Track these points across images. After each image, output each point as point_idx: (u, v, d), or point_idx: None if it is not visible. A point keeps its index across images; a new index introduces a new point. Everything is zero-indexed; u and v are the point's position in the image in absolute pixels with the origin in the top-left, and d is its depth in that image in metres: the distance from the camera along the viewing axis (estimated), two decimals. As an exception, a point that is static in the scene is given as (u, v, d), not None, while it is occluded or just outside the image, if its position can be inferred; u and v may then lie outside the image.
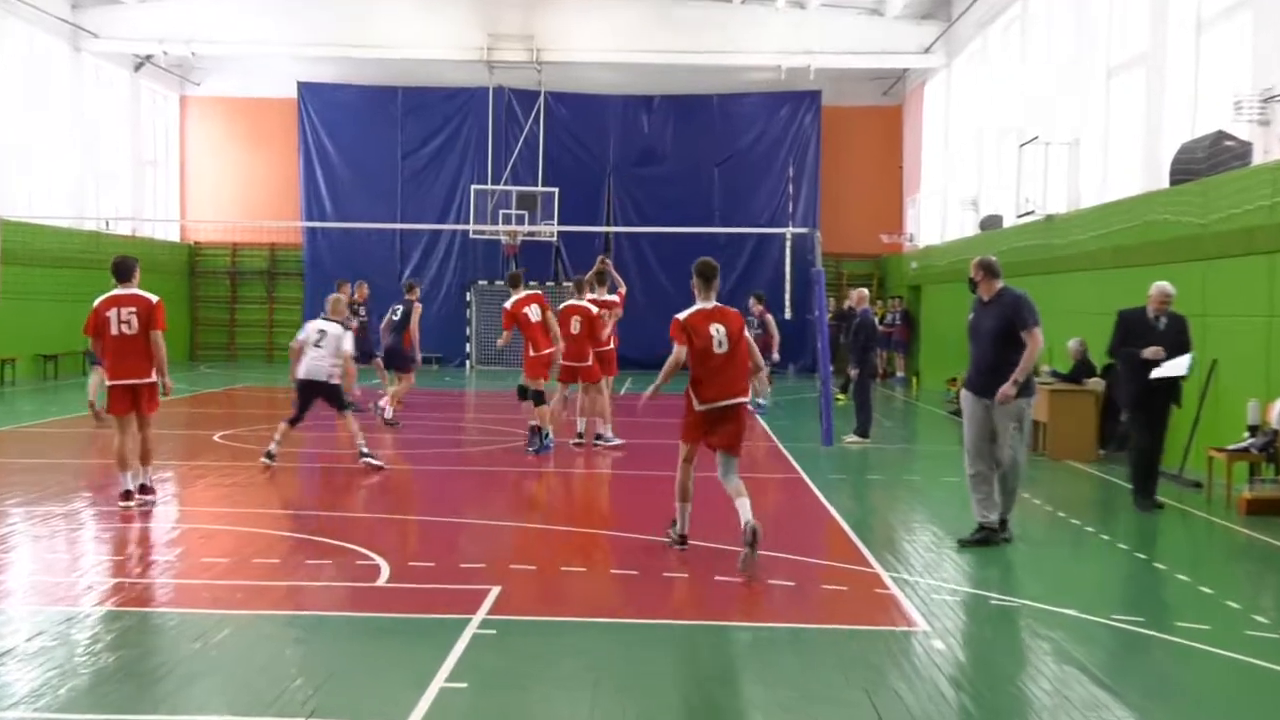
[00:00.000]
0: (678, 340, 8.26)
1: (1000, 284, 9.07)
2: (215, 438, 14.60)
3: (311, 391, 12.12)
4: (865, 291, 16.50)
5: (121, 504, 9.74)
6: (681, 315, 8.39)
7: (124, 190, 28.80)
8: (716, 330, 8.32)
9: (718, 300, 8.53)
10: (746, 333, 8.46)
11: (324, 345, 12.05)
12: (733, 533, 9.32)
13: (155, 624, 6.54)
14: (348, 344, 12.13)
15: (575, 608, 7.05)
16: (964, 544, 8.79)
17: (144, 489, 10.03)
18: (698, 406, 8.36)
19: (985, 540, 8.84)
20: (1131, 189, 15.89)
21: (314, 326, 12.25)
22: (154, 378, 9.82)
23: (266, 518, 9.88)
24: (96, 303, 9.83)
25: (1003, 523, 9.08)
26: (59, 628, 6.35)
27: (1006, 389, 8.71)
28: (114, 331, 9.71)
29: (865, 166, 31.28)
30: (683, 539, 8.65)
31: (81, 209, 26.43)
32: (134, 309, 9.69)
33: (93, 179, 27.37)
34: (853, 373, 15.90)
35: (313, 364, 12.06)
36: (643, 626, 6.73)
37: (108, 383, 9.84)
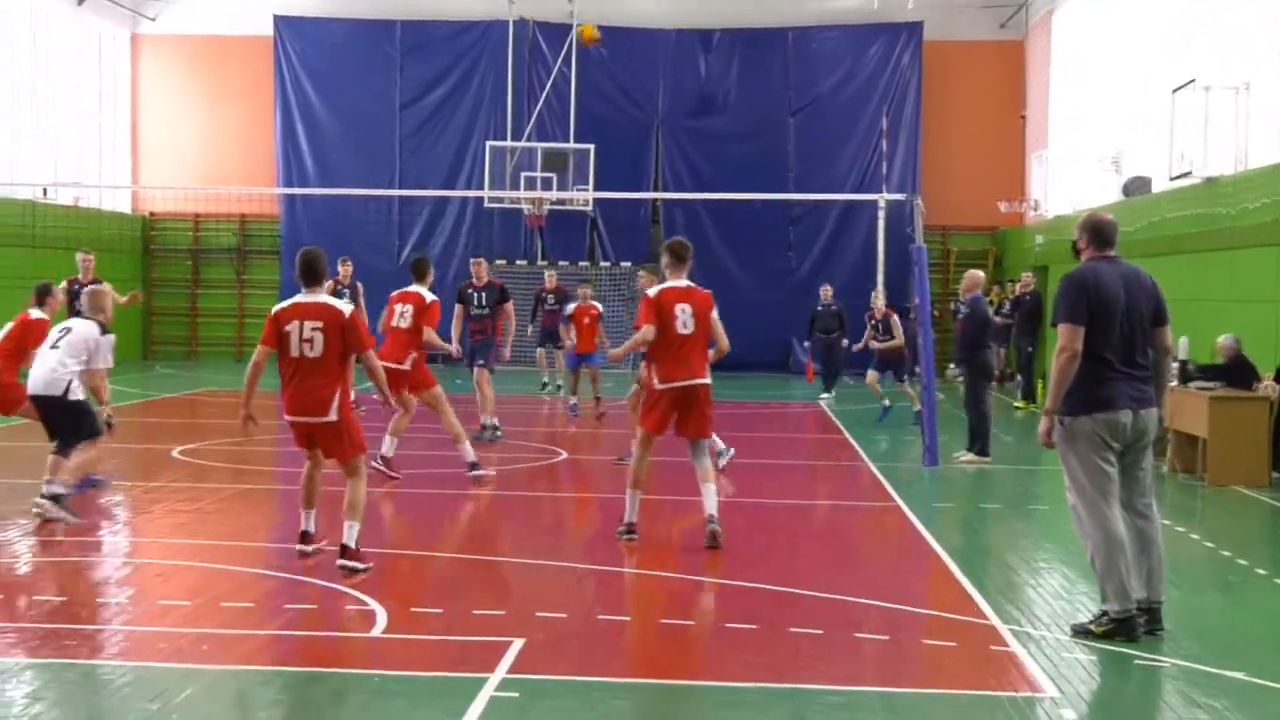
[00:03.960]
0: (647, 319, 10.16)
1: (1108, 256, 8.02)
2: (174, 453, 14.81)
3: (43, 410, 11.07)
4: (979, 274, 16.40)
5: (298, 547, 9.52)
6: (652, 292, 10.34)
7: (63, 151, 29.22)
8: (682, 310, 10.20)
9: (691, 280, 10.43)
10: (714, 315, 10.30)
11: (62, 345, 11.00)
12: (804, 576, 9.32)
13: (103, 680, 6.66)
14: (104, 355, 11.26)
15: (616, 665, 7.09)
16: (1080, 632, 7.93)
17: (346, 551, 9.16)
18: (658, 386, 10.26)
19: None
20: (1316, 144, 15.70)
21: (64, 324, 11.34)
22: (335, 416, 9.16)
23: (237, 552, 10.00)
24: (275, 310, 9.37)
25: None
26: (-12, 684, 6.49)
27: (1041, 426, 7.94)
28: (294, 352, 9.18)
29: (978, 117, 31.08)
30: (630, 529, 10.35)
31: (12, 174, 26.85)
32: (320, 323, 9.15)
33: (25, 137, 27.79)
34: (950, 373, 16.42)
35: (37, 372, 11.02)
36: (699, 690, 6.75)
37: (286, 416, 9.35)
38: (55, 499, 10.61)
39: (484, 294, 17.09)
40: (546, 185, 29.01)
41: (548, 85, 30.78)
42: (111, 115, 31.66)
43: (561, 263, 30.35)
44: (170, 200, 31.87)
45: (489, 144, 30.00)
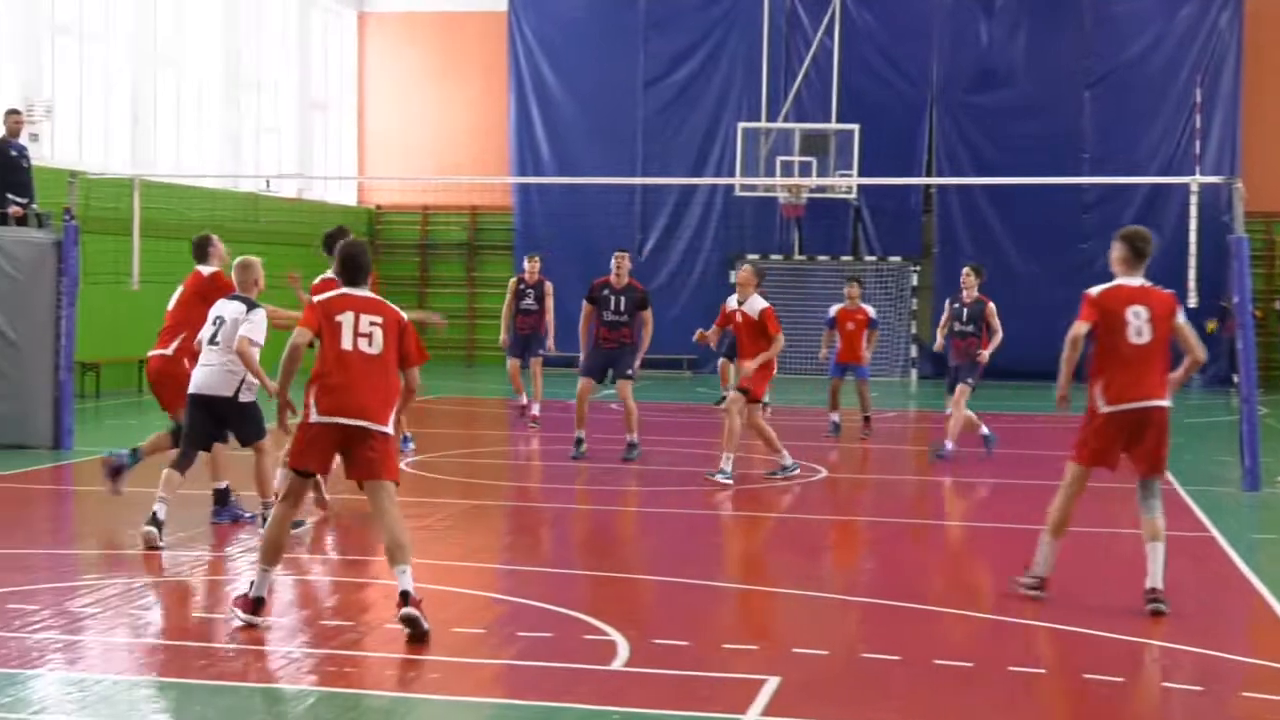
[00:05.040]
0: (1087, 317, 9.15)
1: None
2: (401, 465, 15.30)
3: (205, 412, 10.93)
4: None
5: (245, 618, 8.26)
6: (1094, 290, 9.30)
7: (288, 140, 30.54)
8: (1136, 314, 9.15)
9: (1146, 279, 9.35)
10: (1179, 318, 9.29)
11: (221, 340, 10.81)
12: (1099, 615, 9.06)
13: (324, 709, 6.92)
14: (251, 327, 10.68)
15: (884, 711, 7.03)
16: None
17: (406, 598, 8.06)
18: (1103, 408, 9.15)
19: None
20: None
21: (212, 312, 11.03)
22: (390, 428, 8.51)
23: (468, 573, 10.29)
24: (320, 299, 8.78)
25: None
26: (211, 708, 6.83)
27: None
28: (346, 345, 8.47)
29: (1311, 85, 29.77)
30: (1040, 584, 9.29)
31: (235, 165, 28.19)
32: (379, 318, 8.57)
33: (250, 127, 29.13)
34: None
35: (203, 370, 10.92)
36: (979, 741, 6.65)
37: (315, 416, 8.41)
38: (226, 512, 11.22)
39: (622, 298, 15.83)
40: (805, 171, 28.92)
41: (807, 59, 30.71)
42: (337, 101, 32.95)
43: (821, 257, 30.28)
44: (397, 192, 32.93)
45: (741, 125, 30.07)
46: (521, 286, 18.65)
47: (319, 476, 11.05)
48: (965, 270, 17.34)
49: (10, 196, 16.24)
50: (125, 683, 7.23)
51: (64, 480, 14.69)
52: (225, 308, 10.89)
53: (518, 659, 7.85)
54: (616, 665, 7.68)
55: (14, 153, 16.56)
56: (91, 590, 9.23)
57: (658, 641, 8.16)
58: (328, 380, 8.42)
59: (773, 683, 7.28)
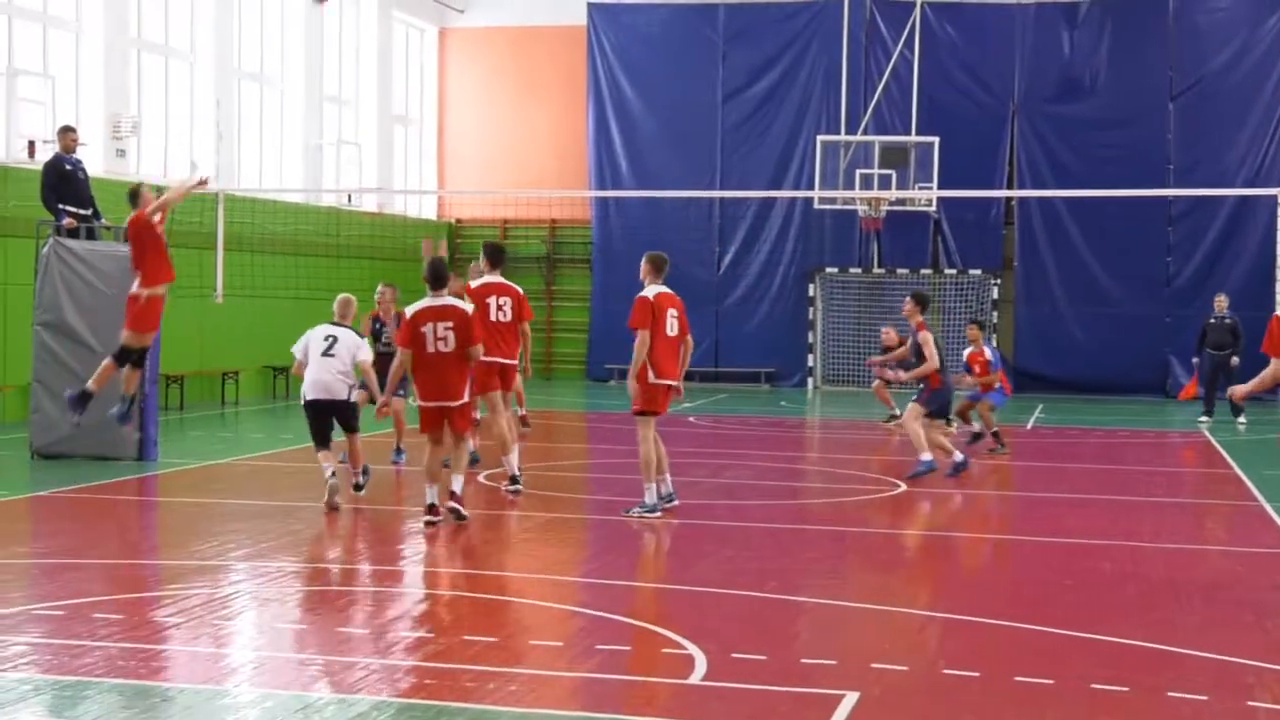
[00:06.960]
0: None
1: None
2: (480, 477, 15.38)
3: (323, 412, 13.55)
4: None
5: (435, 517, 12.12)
6: None
7: (369, 155, 30.83)
8: None
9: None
10: None
11: (335, 353, 13.51)
12: (1185, 633, 8.95)
13: (405, 718, 6.97)
14: (365, 353, 13.82)
15: (963, 727, 7.00)
16: None
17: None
18: None
19: None
20: None
21: (319, 333, 13.59)
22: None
23: (544, 585, 10.31)
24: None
25: None
26: (292, 718, 6.90)
27: None
28: (430, 349, 12.19)
29: (1402, 94, 29.27)
30: None
31: (317, 180, 28.50)
32: (450, 323, 12.25)
33: (331, 142, 29.44)
34: None
35: (322, 379, 13.45)
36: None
37: (419, 402, 12.51)
38: (358, 487, 13.70)
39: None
40: (885, 183, 28.79)
41: (886, 71, 30.61)
42: (418, 116, 33.26)
43: (901, 270, 30.14)
44: (477, 205, 33.15)
45: (820, 138, 30.03)
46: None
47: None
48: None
49: (63, 207, 16.68)
50: (207, 693, 7.32)
51: (149, 491, 14.90)
52: (337, 331, 13.55)
53: (596, 672, 7.87)
54: (695, 679, 7.68)
55: (68, 167, 17.07)
56: (175, 600, 9.37)
57: (736, 656, 8.15)
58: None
59: (851, 698, 7.26)
